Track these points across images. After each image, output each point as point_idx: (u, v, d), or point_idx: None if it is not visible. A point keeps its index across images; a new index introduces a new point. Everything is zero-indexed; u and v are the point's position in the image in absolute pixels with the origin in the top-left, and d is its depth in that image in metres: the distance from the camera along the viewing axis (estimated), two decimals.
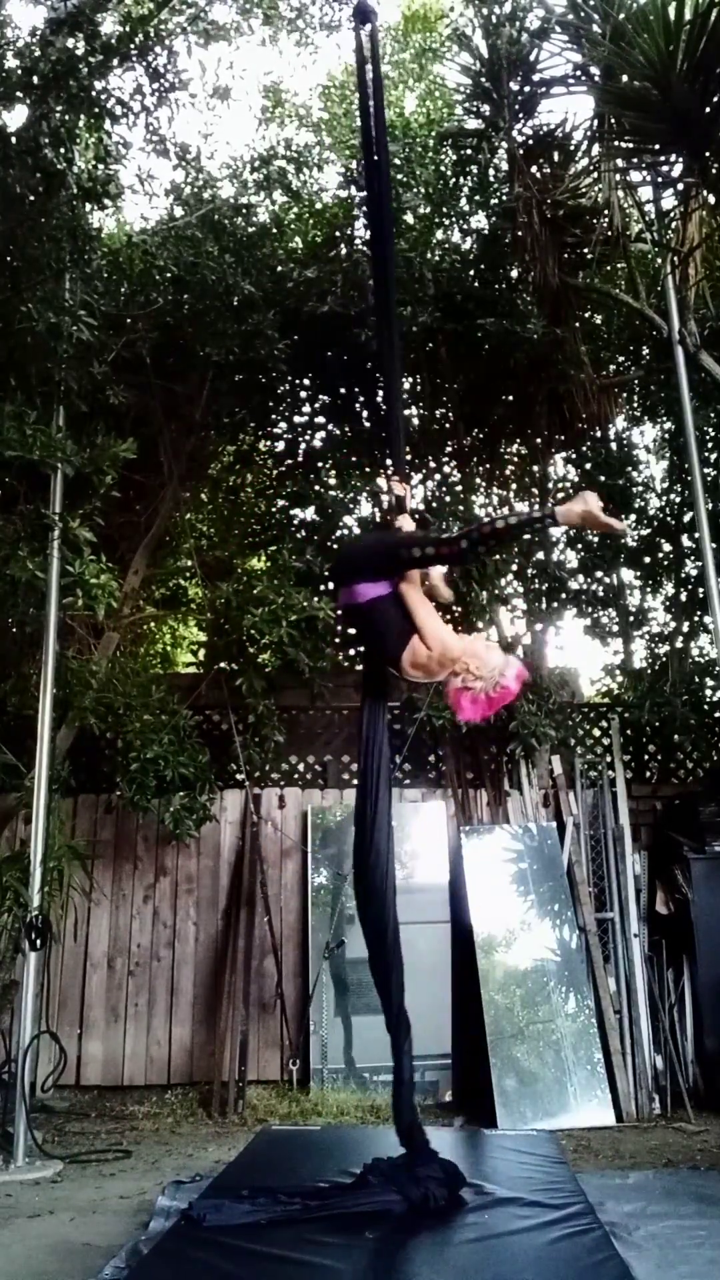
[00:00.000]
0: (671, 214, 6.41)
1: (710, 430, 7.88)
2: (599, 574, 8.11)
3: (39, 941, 5.08)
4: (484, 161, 7.29)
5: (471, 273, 7.42)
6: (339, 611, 4.01)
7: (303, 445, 7.99)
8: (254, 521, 8.36)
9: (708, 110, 5.15)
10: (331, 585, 3.98)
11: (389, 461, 3.96)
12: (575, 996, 5.86)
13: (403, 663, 3.53)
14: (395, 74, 8.98)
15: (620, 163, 6.20)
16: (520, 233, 6.54)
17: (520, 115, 6.68)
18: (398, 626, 3.52)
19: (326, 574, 6.47)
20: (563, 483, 8.19)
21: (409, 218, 7.39)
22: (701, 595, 7.29)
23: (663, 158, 5.91)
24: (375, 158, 4.14)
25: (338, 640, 7.18)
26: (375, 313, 4.88)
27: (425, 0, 9.09)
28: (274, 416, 7.86)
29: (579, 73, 6.20)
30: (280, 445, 8.19)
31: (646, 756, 7.46)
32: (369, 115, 4.13)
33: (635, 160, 6.18)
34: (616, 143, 6.11)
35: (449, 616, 7.45)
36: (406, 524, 3.85)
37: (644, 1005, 5.97)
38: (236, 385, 7.02)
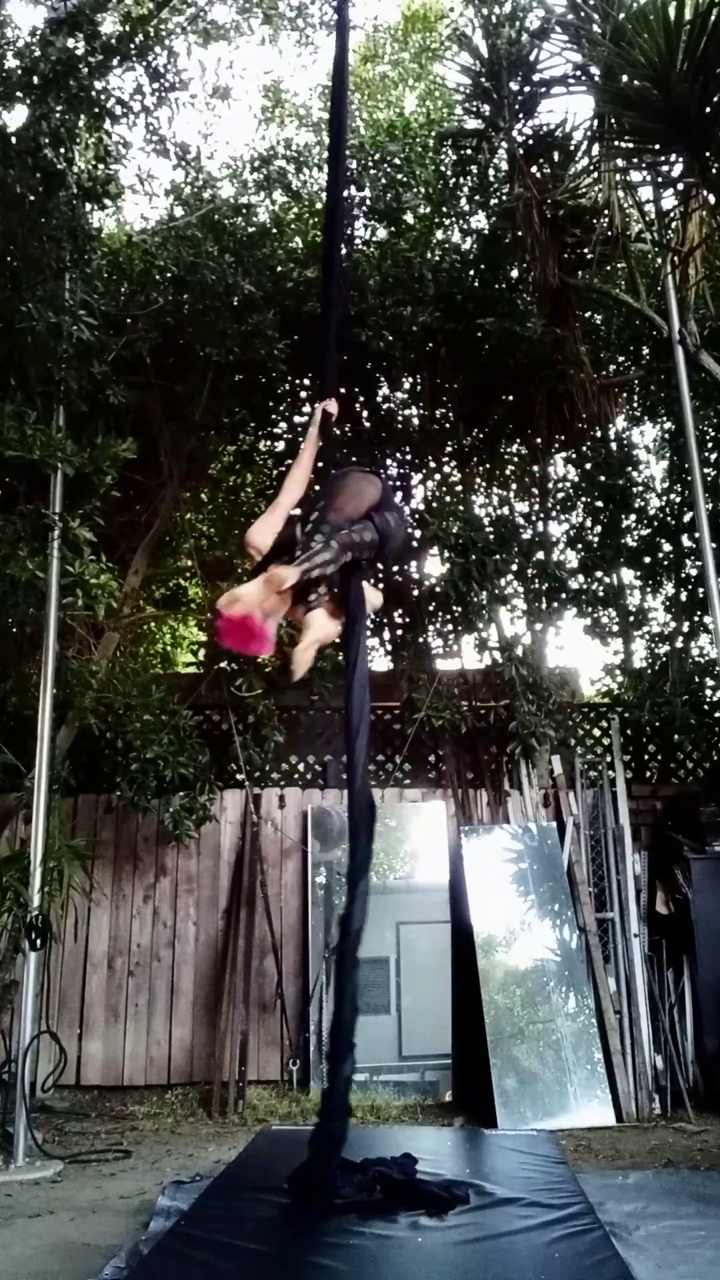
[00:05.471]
0: (671, 214, 6.42)
1: (710, 430, 7.88)
2: (599, 574, 8.10)
3: (39, 941, 5.08)
4: (484, 161, 7.28)
5: (471, 273, 7.42)
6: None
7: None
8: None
9: (708, 110, 5.14)
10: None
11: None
12: (575, 996, 5.86)
13: None
14: (395, 74, 8.99)
15: (620, 163, 6.20)
16: (520, 233, 6.54)
17: (520, 115, 6.68)
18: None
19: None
20: (563, 483, 8.18)
21: (409, 218, 7.40)
22: (701, 595, 7.29)
23: (663, 158, 5.91)
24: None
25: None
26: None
27: (425, 0, 9.09)
28: (274, 416, 7.85)
29: (579, 73, 6.20)
30: (280, 445, 8.18)
31: (646, 756, 7.47)
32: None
33: (635, 160, 6.18)
34: (616, 143, 6.10)
35: (450, 618, 7.46)
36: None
37: (644, 1005, 5.97)
38: (236, 385, 7.02)
